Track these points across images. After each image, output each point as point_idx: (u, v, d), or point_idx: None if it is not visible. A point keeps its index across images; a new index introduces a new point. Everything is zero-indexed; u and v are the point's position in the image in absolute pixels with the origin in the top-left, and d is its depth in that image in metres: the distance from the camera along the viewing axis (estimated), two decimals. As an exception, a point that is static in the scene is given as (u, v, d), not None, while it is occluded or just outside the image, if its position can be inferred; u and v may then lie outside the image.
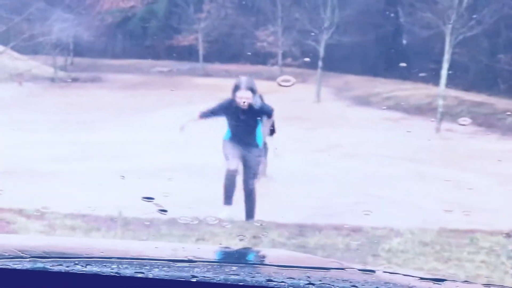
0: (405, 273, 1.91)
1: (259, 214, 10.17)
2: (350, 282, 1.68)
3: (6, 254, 1.66)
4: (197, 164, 14.45)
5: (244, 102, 7.98)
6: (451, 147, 19.80)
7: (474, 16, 22.51)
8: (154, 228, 8.85)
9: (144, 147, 16.63)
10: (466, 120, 20.02)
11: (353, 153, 17.56)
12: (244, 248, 5.25)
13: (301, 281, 1.65)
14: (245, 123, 8.36)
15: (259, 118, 8.38)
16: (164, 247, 2.74)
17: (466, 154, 17.97)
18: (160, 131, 17.67)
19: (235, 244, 8.47)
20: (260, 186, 11.25)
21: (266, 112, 8.46)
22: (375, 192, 13.16)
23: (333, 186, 13.71)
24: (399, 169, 16.04)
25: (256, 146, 8.65)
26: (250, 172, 8.68)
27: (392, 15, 28.16)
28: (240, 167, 8.77)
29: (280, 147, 12.65)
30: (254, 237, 8.86)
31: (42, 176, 13.25)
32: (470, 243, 8.44)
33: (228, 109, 8.36)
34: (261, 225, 9.83)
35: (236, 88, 8.10)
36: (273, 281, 1.64)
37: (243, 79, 8.40)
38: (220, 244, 8.61)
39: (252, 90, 8.12)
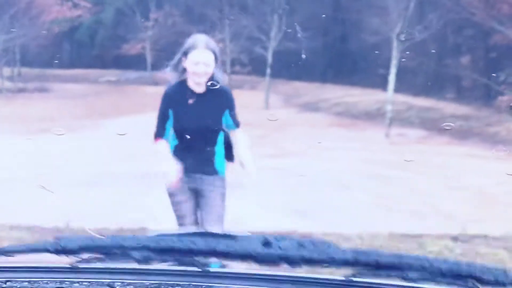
0: None
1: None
2: None
3: None
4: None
5: (201, 67, 4.70)
6: (399, 150, 20.01)
7: (417, 26, 22.62)
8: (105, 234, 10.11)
9: (81, 156, 16.75)
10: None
11: (305, 159, 17.67)
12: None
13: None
14: (203, 120, 4.99)
15: (222, 109, 5.06)
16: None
17: (415, 158, 17.81)
18: (109, 140, 17.43)
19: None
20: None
21: (229, 97, 5.17)
22: (340, 200, 13.21)
23: (290, 191, 13.42)
24: (354, 173, 16.20)
25: (217, 172, 5.25)
26: (213, 219, 5.36)
27: (340, 21, 28.24)
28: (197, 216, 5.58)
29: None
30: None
31: None
32: (419, 247, 8.41)
33: (176, 101, 5.04)
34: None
35: (190, 49, 4.76)
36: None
37: (200, 37, 4.99)
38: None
39: (214, 54, 4.82)
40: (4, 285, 1.49)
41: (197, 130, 4.87)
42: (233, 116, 5.07)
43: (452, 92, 27.62)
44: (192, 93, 4.86)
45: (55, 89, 28.70)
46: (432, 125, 23.12)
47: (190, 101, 4.88)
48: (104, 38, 31.66)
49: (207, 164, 5.05)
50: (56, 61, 28.84)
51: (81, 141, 18.85)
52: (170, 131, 5.01)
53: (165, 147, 5.02)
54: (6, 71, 29.00)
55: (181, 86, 4.91)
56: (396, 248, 8.35)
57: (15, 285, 1.50)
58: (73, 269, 1.53)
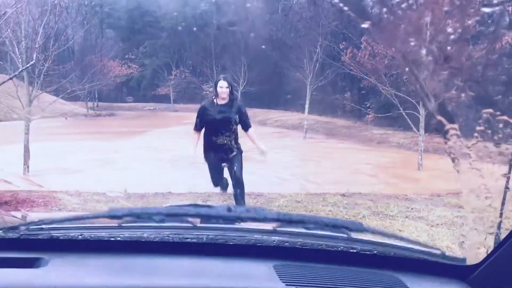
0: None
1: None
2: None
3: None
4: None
5: (224, 90, 7.27)
6: (311, 146, 23.95)
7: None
8: (146, 199, 9.74)
9: (140, 152, 19.44)
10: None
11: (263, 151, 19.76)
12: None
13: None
14: (224, 121, 7.31)
15: (236, 115, 7.36)
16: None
17: (320, 150, 22.13)
18: (149, 143, 22.30)
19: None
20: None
21: (240, 107, 7.54)
22: (279, 174, 14.88)
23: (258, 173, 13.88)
24: (287, 159, 18.38)
25: (237, 148, 7.53)
26: (237, 171, 7.40)
27: (277, 74, 33.69)
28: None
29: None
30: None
31: (73, 172, 14.91)
32: (323, 200, 9.37)
33: (208, 109, 7.45)
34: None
35: (217, 81, 7.41)
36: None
37: (222, 76, 7.72)
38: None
39: (230, 84, 7.44)
40: (79, 236, 1.67)
41: (219, 124, 7.36)
42: (246, 121, 7.62)
43: (341, 113, 32.14)
44: (218, 104, 7.42)
45: (118, 114, 32.86)
46: (329, 132, 28.24)
47: (217, 109, 7.41)
48: (146, 85, 36.97)
49: (229, 145, 7.39)
50: (129, 98, 33.24)
51: (137, 141, 23.77)
52: (203, 126, 7.55)
53: (196, 137, 7.62)
54: (90, 104, 32.59)
55: (212, 101, 7.54)
56: (310, 201, 9.42)
57: (86, 232, 1.70)
58: (118, 227, 1.73)
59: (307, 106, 26.69)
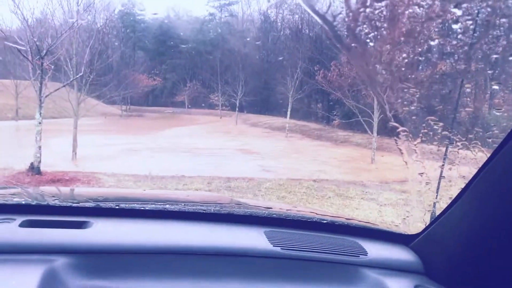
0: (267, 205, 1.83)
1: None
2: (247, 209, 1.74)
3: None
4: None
5: None
6: (291, 143, 23.80)
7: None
8: (165, 180, 9.56)
9: (161, 142, 20.29)
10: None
11: (254, 145, 20.85)
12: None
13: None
14: None
15: None
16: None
17: (298, 146, 22.38)
18: (169, 137, 22.68)
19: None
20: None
21: None
22: (266, 163, 14.89)
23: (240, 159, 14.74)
24: (273, 152, 18.57)
25: None
26: None
27: (267, 87, 33.70)
28: None
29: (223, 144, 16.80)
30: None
31: (109, 158, 14.82)
32: (299, 184, 9.21)
33: None
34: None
35: None
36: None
37: None
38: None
39: None
40: (117, 206, 1.64)
41: None
42: None
43: (314, 119, 31.39)
44: None
45: (145, 115, 32.80)
46: (304, 133, 27.39)
47: None
48: (167, 93, 37.04)
49: None
50: (170, 110, 33.17)
51: (159, 135, 23.90)
52: None
53: None
54: (123, 107, 32.75)
55: None
56: (289, 185, 9.31)
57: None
58: (147, 200, 1.68)
59: (288, 112, 26.73)
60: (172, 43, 39.91)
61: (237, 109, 30.90)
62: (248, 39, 37.25)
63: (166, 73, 38.12)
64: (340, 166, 15.79)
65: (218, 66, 32.37)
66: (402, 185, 10.20)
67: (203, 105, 34.27)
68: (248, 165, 12.72)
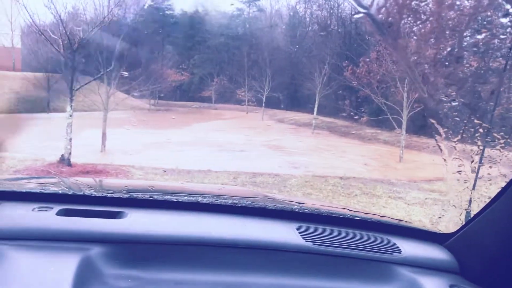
0: (297, 200, 1.87)
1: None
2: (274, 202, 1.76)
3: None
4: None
5: None
6: (317, 140, 23.20)
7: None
8: (191, 174, 9.66)
9: (189, 135, 19.91)
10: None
11: (280, 141, 20.63)
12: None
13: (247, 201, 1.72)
14: None
15: None
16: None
17: (324, 143, 21.87)
18: (196, 132, 22.59)
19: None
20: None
21: None
22: (292, 159, 14.44)
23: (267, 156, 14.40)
24: (299, 148, 18.38)
25: None
26: None
27: (294, 84, 33.04)
28: None
29: (248, 139, 17.26)
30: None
31: (139, 152, 14.78)
32: (325, 181, 9.28)
33: None
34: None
35: None
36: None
37: None
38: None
39: None
40: (150, 198, 1.66)
41: None
42: None
43: (341, 115, 29.34)
44: None
45: (173, 109, 32.41)
46: (331, 129, 27.25)
47: None
48: (194, 88, 37.25)
49: None
50: (197, 105, 34.68)
51: (186, 130, 23.84)
52: None
53: None
54: (152, 101, 32.84)
55: None
56: (315, 182, 9.12)
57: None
58: (178, 193, 1.73)
59: (315, 109, 26.54)
60: (200, 38, 40.02)
61: (263, 104, 30.95)
62: (275, 34, 36.81)
63: (193, 68, 38.21)
64: (367, 164, 15.62)
65: (245, 61, 32.40)
66: (431, 184, 9.96)
67: (229, 100, 34.52)
68: (274, 161, 12.73)
